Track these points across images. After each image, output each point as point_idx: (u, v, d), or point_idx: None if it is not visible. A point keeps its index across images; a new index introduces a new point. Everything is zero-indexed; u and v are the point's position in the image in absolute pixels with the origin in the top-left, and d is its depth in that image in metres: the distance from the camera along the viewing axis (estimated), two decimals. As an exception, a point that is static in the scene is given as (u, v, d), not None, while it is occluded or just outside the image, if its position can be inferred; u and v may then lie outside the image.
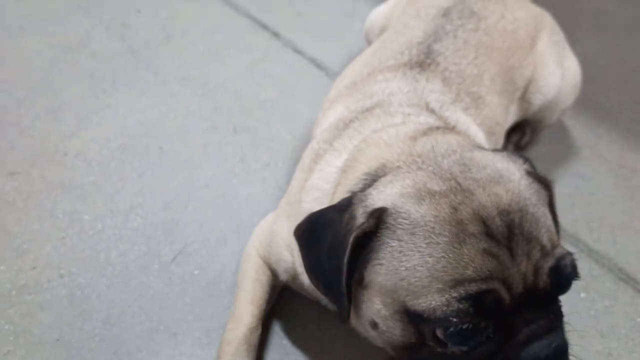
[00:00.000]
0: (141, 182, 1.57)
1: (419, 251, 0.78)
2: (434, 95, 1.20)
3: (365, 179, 0.92)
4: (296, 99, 1.85)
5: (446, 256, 0.76)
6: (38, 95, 1.82)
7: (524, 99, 1.49)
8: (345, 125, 1.13)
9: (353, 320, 0.93)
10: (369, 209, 0.82)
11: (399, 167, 0.90)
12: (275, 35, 2.12)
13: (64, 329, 1.26)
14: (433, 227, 0.78)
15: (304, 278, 1.09)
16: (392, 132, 1.02)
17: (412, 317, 0.79)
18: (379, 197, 0.84)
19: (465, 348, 0.78)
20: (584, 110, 1.82)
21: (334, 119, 1.20)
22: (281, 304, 1.31)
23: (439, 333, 0.78)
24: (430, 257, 0.77)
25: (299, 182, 1.15)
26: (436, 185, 0.82)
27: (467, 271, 0.75)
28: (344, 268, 0.81)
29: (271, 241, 1.18)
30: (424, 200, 0.81)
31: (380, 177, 0.89)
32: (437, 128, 1.03)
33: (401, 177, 0.86)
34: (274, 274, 1.23)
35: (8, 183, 1.55)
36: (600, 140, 1.75)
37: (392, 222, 0.81)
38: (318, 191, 1.03)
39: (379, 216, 0.81)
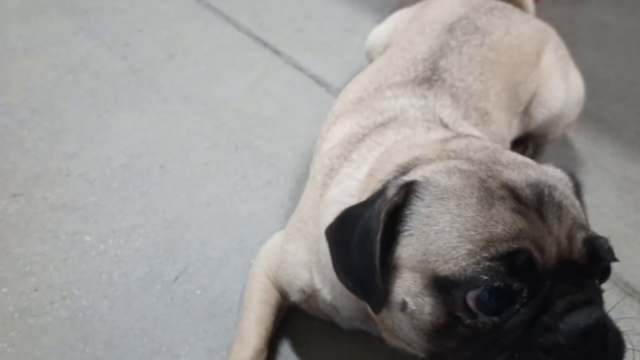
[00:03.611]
0: (143, 201, 1.57)
1: (449, 213, 0.79)
2: (446, 110, 1.20)
3: (397, 170, 0.92)
4: (297, 115, 1.86)
5: (475, 216, 0.77)
6: (41, 116, 1.83)
7: (526, 113, 1.49)
8: (359, 139, 1.13)
9: (383, 311, 0.90)
10: (399, 184, 0.84)
11: (431, 159, 0.91)
12: (276, 52, 2.13)
13: (66, 351, 1.25)
14: (463, 192, 0.80)
15: (324, 293, 1.07)
16: (422, 136, 1.04)
17: (441, 287, 0.77)
18: (409, 178, 0.85)
19: (496, 319, 0.75)
20: (586, 123, 1.82)
21: (343, 135, 1.19)
22: (284, 324, 1.30)
23: (470, 301, 0.75)
24: (459, 217, 0.77)
25: (312, 200, 1.14)
26: (467, 166, 0.84)
27: (497, 230, 0.75)
28: (377, 246, 0.80)
29: (283, 261, 1.17)
30: (454, 174, 0.83)
31: (412, 168, 0.90)
32: (467, 135, 1.03)
33: (434, 163, 0.88)
34: (282, 295, 1.22)
35: (11, 205, 1.55)
36: (604, 153, 1.74)
37: (422, 191, 0.82)
38: (340, 204, 1.01)
39: (409, 188, 0.82)
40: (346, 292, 1.02)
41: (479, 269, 0.73)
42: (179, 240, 1.48)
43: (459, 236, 0.76)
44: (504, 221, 0.75)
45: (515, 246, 0.73)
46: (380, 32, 1.72)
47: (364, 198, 0.96)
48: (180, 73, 2.02)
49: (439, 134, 1.06)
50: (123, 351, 1.25)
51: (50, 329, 1.29)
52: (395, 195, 0.82)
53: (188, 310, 1.33)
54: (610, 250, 0.80)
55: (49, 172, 1.64)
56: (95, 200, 1.57)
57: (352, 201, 1.01)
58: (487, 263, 0.73)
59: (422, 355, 0.94)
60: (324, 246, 0.98)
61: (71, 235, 1.48)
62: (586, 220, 0.87)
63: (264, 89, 1.96)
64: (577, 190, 0.92)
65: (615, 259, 0.81)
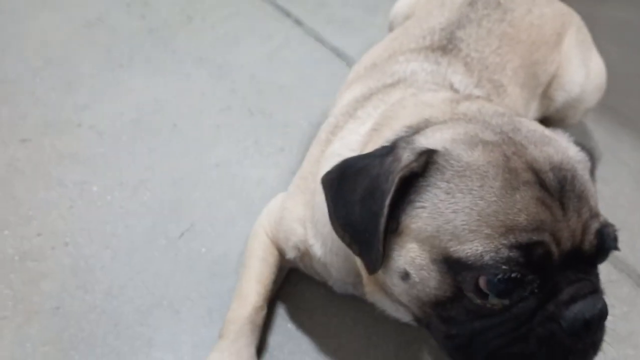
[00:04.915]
0: (152, 157, 1.55)
1: (470, 193, 0.74)
2: (457, 76, 1.17)
3: (406, 131, 0.88)
4: (315, 87, 1.83)
5: (499, 201, 0.73)
6: (55, 67, 1.80)
7: (545, 95, 1.47)
8: (365, 99, 1.11)
9: (379, 273, 0.88)
10: (418, 150, 0.78)
11: (444, 121, 0.86)
12: (298, 23, 2.09)
13: (64, 298, 1.23)
14: (487, 171, 0.75)
15: (316, 249, 1.05)
16: (429, 95, 0.99)
17: (452, 266, 0.74)
18: (427, 142, 0.80)
19: (506, 301, 0.74)
20: (606, 115, 1.79)
21: (353, 96, 1.17)
22: (288, 287, 1.28)
23: (482, 282, 0.73)
24: (481, 200, 0.73)
25: (314, 156, 1.12)
26: (488, 136, 0.80)
27: (519, 219, 0.72)
28: (385, 211, 0.76)
29: (282, 217, 1.15)
30: (476, 146, 0.78)
31: (423, 129, 0.85)
32: (478, 97, 0.99)
33: (450, 126, 0.83)
34: (281, 254, 1.20)
35: (19, 150, 1.53)
36: (623, 146, 1.71)
37: (443, 164, 0.77)
38: (339, 157, 0.99)
39: (428, 157, 0.77)
40: (335, 249, 1.01)
41: (497, 258, 0.71)
42: (186, 198, 1.46)
43: (478, 219, 0.73)
44: (527, 210, 0.72)
45: (535, 238, 0.71)
46: (404, 2, 1.69)
47: (367, 149, 0.93)
48: (197, 36, 1.99)
49: (448, 94, 1.03)
50: (122, 302, 1.23)
51: (51, 275, 1.27)
52: (413, 161, 0.77)
53: (191, 267, 1.31)
54: (615, 239, 0.79)
55: (59, 121, 1.62)
56: (104, 152, 1.54)
57: (352, 155, 0.98)
58: (507, 252, 0.71)
59: (405, 319, 0.94)
60: (319, 199, 0.96)
61: (78, 185, 1.45)
62: (596, 200, 0.85)
63: (282, 58, 1.93)
64: (591, 166, 0.89)
65: (617, 248, 0.80)
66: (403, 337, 1.20)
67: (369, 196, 0.79)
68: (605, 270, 1.36)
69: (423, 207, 0.78)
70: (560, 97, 1.47)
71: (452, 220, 0.74)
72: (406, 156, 0.78)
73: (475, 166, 0.76)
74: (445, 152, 0.78)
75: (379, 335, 1.21)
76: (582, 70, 1.48)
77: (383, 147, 0.85)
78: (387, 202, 0.76)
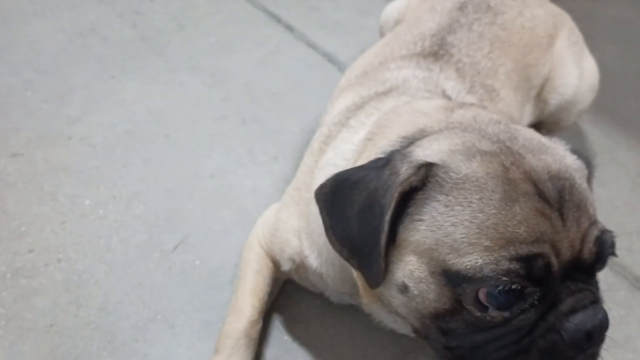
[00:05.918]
0: (146, 169, 1.54)
1: (469, 206, 0.74)
2: (449, 83, 1.17)
3: (402, 142, 0.87)
4: (307, 92, 1.82)
5: (498, 213, 0.72)
6: (46, 78, 1.79)
7: (539, 98, 1.46)
8: (358, 107, 1.10)
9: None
10: (416, 164, 0.78)
11: (440, 131, 0.86)
12: (289, 28, 2.09)
13: (58, 314, 1.22)
14: (485, 183, 0.75)
15: (311, 261, 1.04)
16: (423, 103, 0.99)
17: (451, 278, 0.74)
18: (424, 154, 0.80)
19: (507, 314, 0.73)
20: (602, 116, 1.78)
21: (345, 105, 1.17)
22: (283, 299, 1.27)
23: (482, 295, 0.73)
24: (481, 212, 0.73)
25: (307, 166, 1.12)
26: (485, 146, 0.79)
27: (519, 231, 0.71)
28: (385, 227, 0.76)
29: (276, 229, 1.14)
30: (474, 157, 0.77)
31: (419, 139, 0.85)
32: (472, 104, 0.99)
33: (447, 136, 0.83)
34: (276, 266, 1.19)
35: (10, 164, 1.52)
36: (619, 147, 1.70)
37: (442, 176, 0.76)
38: (334, 167, 0.98)
39: (427, 170, 0.77)
40: (331, 259, 1.01)
41: (497, 270, 0.70)
42: (180, 209, 1.44)
43: (478, 232, 0.72)
44: (527, 222, 0.72)
45: (535, 250, 0.71)
46: (394, 7, 1.69)
47: (360, 162, 0.92)
48: (190, 44, 1.98)
49: (441, 102, 1.03)
50: (117, 317, 1.22)
51: (43, 291, 1.26)
52: (412, 175, 0.76)
53: (186, 280, 1.30)
54: (613, 245, 0.79)
55: (51, 134, 1.60)
56: (97, 164, 1.53)
57: (346, 164, 0.98)
58: (507, 264, 0.70)
59: (403, 330, 0.94)
60: (314, 210, 0.95)
61: (70, 198, 1.44)
62: (594, 208, 0.85)
63: (274, 64, 1.92)
64: (589, 174, 0.89)
65: (614, 254, 0.80)
66: (400, 347, 1.19)
67: (368, 210, 0.78)
68: (602, 274, 1.35)
69: (421, 220, 0.77)
70: (554, 99, 1.46)
71: (451, 233, 0.74)
72: (404, 170, 0.77)
73: (474, 178, 0.75)
74: (444, 165, 0.77)
75: (376, 345, 1.20)
76: (576, 71, 1.48)
77: (378, 159, 0.84)
78: (387, 217, 0.76)
